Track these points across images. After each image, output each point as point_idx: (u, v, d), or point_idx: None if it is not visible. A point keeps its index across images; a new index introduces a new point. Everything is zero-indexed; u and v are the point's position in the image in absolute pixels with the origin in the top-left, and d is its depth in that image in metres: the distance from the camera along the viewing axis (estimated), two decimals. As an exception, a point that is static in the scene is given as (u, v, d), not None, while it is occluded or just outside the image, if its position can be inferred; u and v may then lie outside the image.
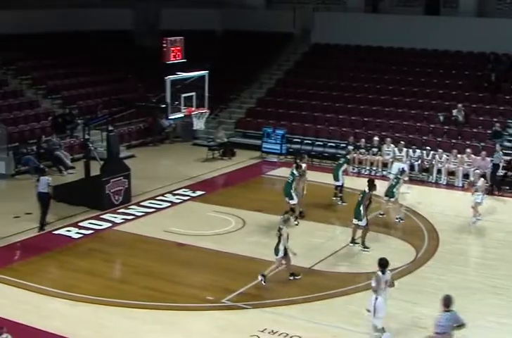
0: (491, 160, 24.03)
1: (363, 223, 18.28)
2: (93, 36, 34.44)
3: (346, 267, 17.11)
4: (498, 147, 24.28)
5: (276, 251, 15.87)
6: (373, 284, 13.05)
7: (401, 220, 20.72)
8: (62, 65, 32.13)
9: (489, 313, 14.95)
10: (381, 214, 20.93)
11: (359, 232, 18.51)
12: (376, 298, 12.79)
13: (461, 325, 11.79)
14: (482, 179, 21.20)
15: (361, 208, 18.20)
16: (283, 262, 16.07)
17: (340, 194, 22.25)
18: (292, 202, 19.98)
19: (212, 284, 16.21)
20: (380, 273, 13.22)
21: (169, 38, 20.46)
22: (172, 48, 20.46)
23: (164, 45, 20.33)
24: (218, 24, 36.09)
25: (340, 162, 22.31)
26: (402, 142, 25.20)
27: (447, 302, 11.78)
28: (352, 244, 18.51)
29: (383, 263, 13.32)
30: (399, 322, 14.38)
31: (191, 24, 32.84)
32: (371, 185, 18.75)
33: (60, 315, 14.61)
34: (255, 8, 36.15)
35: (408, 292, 15.76)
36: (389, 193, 20.54)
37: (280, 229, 15.87)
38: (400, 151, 24.78)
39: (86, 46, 33.84)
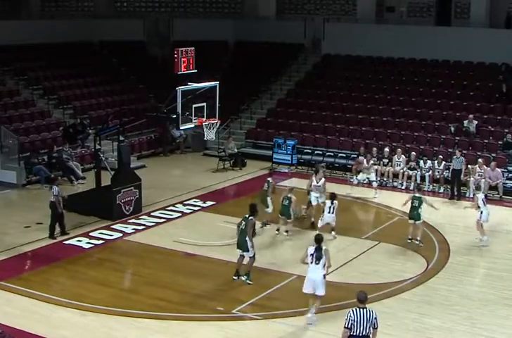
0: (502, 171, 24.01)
1: (250, 254, 16.52)
2: (104, 47, 34.75)
3: (357, 278, 17.01)
4: (458, 152, 24.45)
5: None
6: None
7: (422, 243, 19.33)
8: (73, 76, 32.28)
9: (501, 324, 14.82)
10: (410, 239, 19.42)
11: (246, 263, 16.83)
12: None
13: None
14: (482, 194, 20.22)
15: (247, 238, 16.41)
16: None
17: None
18: None
19: (222, 295, 16.15)
20: None
21: (180, 48, 20.51)
22: (183, 59, 20.49)
23: (176, 55, 20.37)
24: (229, 35, 36.22)
25: (265, 189, 20.76)
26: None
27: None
28: (235, 277, 16.70)
29: None
30: (410, 333, 14.32)
31: (203, 35, 33.07)
32: (253, 210, 16.76)
33: (69, 325, 14.58)
34: (266, 19, 36.27)
35: (419, 303, 15.69)
36: (415, 215, 19.14)
37: None
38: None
39: (98, 57, 34.12)
